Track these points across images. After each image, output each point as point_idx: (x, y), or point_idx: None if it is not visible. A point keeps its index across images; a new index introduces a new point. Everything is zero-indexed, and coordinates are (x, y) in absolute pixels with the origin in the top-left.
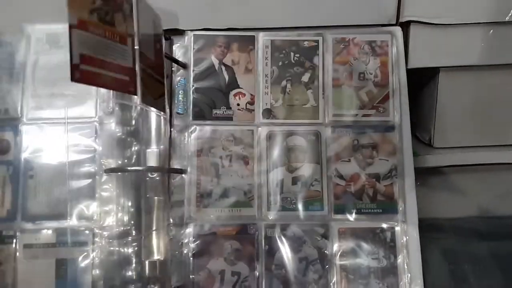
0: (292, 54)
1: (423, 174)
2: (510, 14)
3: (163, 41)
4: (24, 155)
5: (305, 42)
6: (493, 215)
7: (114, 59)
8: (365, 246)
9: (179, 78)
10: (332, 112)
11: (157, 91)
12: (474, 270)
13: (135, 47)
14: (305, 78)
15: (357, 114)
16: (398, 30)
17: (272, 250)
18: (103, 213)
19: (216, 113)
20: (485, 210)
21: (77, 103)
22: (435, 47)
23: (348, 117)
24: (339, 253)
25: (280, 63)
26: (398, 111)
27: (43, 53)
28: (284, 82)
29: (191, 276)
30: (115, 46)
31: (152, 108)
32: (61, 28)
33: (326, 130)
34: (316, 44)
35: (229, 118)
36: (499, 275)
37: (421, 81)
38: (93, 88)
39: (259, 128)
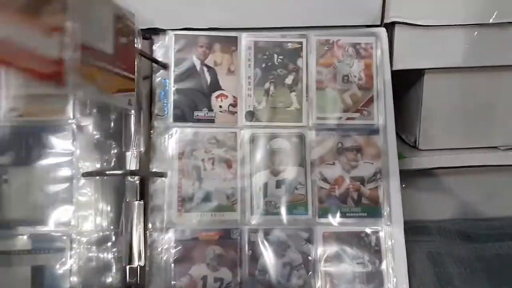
0: (275, 56)
1: (408, 176)
2: (494, 16)
3: (136, 37)
4: None
5: (289, 44)
6: (479, 217)
7: (34, 49)
8: (350, 250)
9: (159, 78)
10: (316, 115)
11: (115, 86)
12: (460, 273)
13: (68, 39)
14: (289, 80)
15: (341, 117)
16: (382, 31)
17: (256, 255)
18: (81, 218)
19: (197, 115)
20: (471, 212)
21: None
22: (420, 48)
23: (332, 120)
24: (323, 258)
25: (264, 65)
26: (383, 113)
27: None
28: (267, 84)
29: (172, 282)
30: (35, 36)
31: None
32: None
33: (310, 133)
34: (300, 46)
35: (211, 121)
36: (484, 277)
37: (406, 83)
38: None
39: (242, 131)
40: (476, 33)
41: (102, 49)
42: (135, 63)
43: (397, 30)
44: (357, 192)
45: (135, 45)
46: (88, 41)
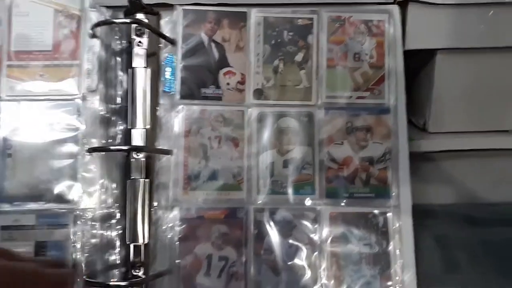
0: (285, 32)
1: (416, 160)
2: None
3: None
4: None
5: (299, 20)
6: (487, 201)
7: None
8: (357, 231)
9: (166, 54)
10: (326, 94)
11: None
12: (467, 257)
13: None
14: (298, 57)
15: (351, 96)
16: (395, 9)
17: (261, 235)
18: (86, 194)
19: (204, 92)
20: (479, 197)
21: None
22: (433, 28)
23: (342, 99)
24: (330, 238)
25: (273, 42)
26: (394, 93)
27: None
28: (276, 62)
29: (177, 261)
30: None
31: None
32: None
33: (319, 112)
34: (311, 22)
35: (219, 98)
36: (491, 261)
37: (417, 64)
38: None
39: (250, 109)
40: (491, 12)
41: None
42: None
43: (410, 8)
44: (366, 172)
45: None
46: None
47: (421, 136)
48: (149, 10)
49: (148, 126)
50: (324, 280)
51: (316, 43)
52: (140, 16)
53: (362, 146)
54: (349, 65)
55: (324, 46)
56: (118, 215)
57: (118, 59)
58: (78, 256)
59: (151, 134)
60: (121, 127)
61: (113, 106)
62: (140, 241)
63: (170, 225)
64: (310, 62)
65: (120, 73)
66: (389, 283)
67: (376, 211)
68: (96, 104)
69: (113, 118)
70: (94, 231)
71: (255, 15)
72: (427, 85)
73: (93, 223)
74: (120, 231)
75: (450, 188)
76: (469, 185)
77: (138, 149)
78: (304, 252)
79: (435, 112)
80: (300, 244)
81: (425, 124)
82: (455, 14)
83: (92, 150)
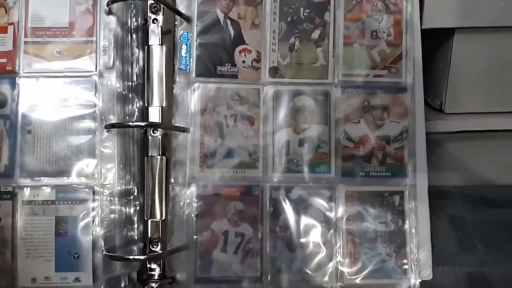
0: (301, 9)
1: (431, 141)
2: None
3: None
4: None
5: None
6: (501, 183)
7: None
8: (372, 210)
9: (181, 32)
10: (342, 72)
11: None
12: (482, 237)
13: None
14: (315, 35)
15: (368, 75)
16: None
17: (277, 212)
18: (104, 170)
19: (220, 70)
20: (493, 179)
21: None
22: (451, 6)
23: (359, 77)
24: (345, 217)
25: (289, 19)
26: (411, 72)
27: None
28: (292, 39)
29: (194, 237)
30: None
31: None
32: None
33: (336, 91)
34: None
35: (234, 76)
36: (505, 241)
37: (434, 44)
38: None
39: (265, 87)
40: None
41: None
42: None
43: None
44: (382, 151)
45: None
46: None
47: (438, 117)
48: None
49: (164, 104)
50: (339, 258)
51: (332, 20)
52: None
53: (378, 125)
54: (366, 43)
55: (341, 24)
56: (136, 192)
57: (134, 36)
58: (97, 231)
59: (168, 111)
60: (138, 105)
61: (130, 83)
62: (158, 217)
63: (187, 201)
64: (326, 40)
65: (136, 50)
66: (404, 261)
67: (392, 190)
68: (113, 81)
69: (130, 96)
70: (113, 207)
71: None
72: (444, 66)
73: (111, 198)
74: (138, 207)
75: (464, 170)
76: (484, 167)
77: (154, 126)
78: (319, 229)
79: (451, 93)
80: (315, 222)
81: (442, 105)
82: None
83: (110, 126)
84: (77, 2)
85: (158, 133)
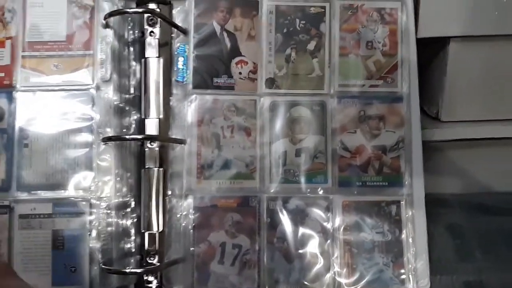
0: (297, 20)
1: (428, 149)
2: None
3: None
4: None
5: (312, 8)
6: (499, 190)
7: None
8: (369, 220)
9: (178, 44)
10: (338, 82)
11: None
12: (480, 245)
13: None
14: (311, 46)
15: (364, 85)
16: None
17: (274, 223)
18: (101, 183)
19: (217, 81)
20: (491, 186)
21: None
22: (447, 15)
23: (355, 88)
24: (342, 227)
25: (285, 30)
26: (407, 81)
27: None
28: (288, 50)
29: (191, 249)
30: None
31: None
32: None
33: (332, 101)
34: (323, 10)
35: (231, 88)
36: (503, 249)
37: (430, 53)
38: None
39: (262, 98)
40: None
41: None
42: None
43: None
44: (379, 161)
45: None
46: None
47: (434, 125)
48: None
49: (161, 116)
50: (336, 268)
51: (328, 31)
52: (152, 5)
53: (375, 135)
54: (362, 53)
55: (337, 35)
56: (133, 204)
57: (131, 49)
58: (94, 244)
59: (165, 123)
60: (135, 117)
61: (127, 96)
62: (155, 229)
63: (184, 213)
64: (322, 50)
65: (133, 63)
66: (402, 271)
67: (389, 200)
68: (110, 94)
69: (127, 108)
70: (110, 220)
71: (267, 4)
72: (440, 74)
73: (108, 211)
74: (135, 220)
75: (461, 178)
76: (481, 175)
77: (152, 138)
78: (317, 240)
79: (448, 101)
80: (313, 232)
81: (438, 113)
82: (468, 1)
83: (107, 139)
84: (74, 16)
85: (155, 145)
